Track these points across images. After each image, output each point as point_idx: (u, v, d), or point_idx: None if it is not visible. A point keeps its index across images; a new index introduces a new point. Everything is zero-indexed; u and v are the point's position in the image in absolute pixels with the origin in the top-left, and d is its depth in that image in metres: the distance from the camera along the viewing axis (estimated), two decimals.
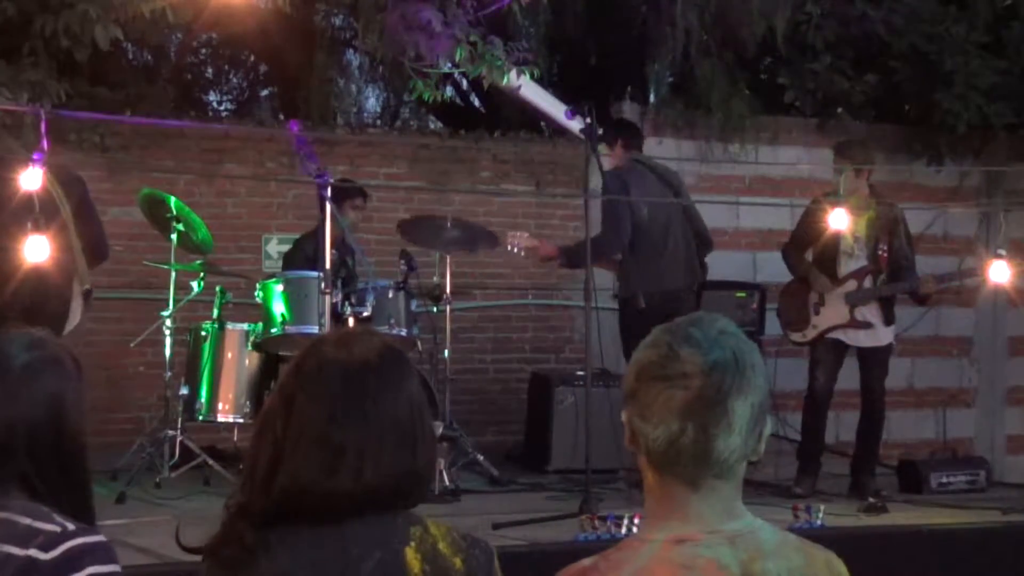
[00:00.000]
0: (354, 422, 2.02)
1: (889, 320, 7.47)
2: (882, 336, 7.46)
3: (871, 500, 6.83)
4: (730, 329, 1.90)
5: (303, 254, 7.46)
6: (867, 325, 7.39)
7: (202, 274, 7.39)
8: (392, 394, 2.06)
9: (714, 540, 1.86)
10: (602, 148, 6.97)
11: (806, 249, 7.63)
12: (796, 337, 7.52)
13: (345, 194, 7.34)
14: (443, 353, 7.66)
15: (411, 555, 2.01)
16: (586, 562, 1.90)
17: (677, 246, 7.31)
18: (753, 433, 1.88)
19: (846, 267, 7.43)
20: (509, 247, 7.40)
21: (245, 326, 7.33)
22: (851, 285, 7.40)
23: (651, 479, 1.90)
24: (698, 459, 1.85)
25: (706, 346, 1.85)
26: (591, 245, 6.69)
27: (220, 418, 7.27)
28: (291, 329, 6.89)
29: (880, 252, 7.39)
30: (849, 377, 7.59)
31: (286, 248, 8.05)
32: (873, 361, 7.44)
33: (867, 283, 7.42)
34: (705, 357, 1.84)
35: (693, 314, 1.94)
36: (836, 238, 7.36)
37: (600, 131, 6.84)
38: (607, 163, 7.16)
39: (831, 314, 7.40)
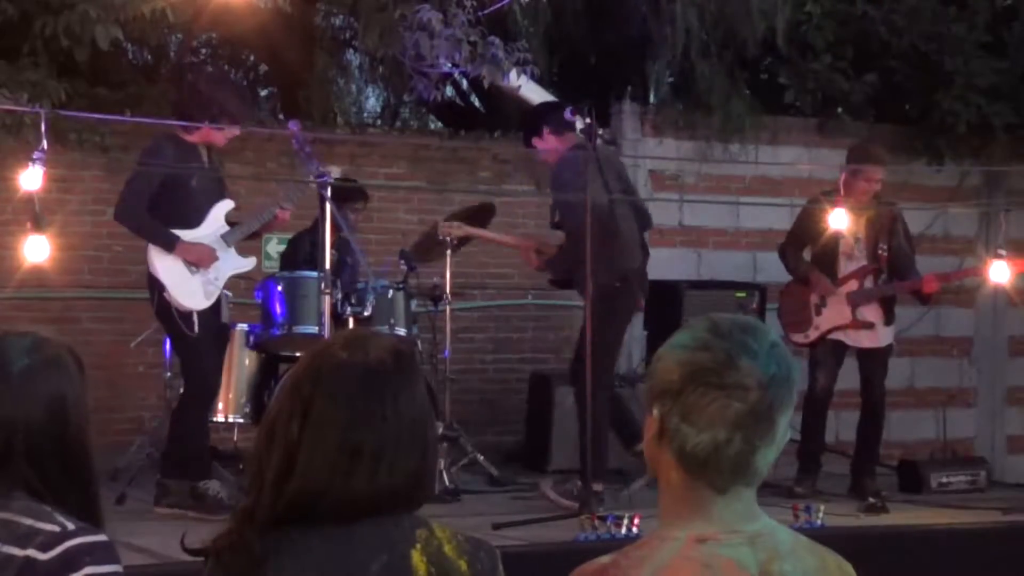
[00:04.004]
0: (373, 424, 2.02)
1: (889, 320, 7.48)
2: (883, 336, 7.46)
3: (871, 500, 6.83)
4: (778, 341, 1.90)
5: (300, 253, 7.47)
6: (869, 325, 7.39)
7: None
8: (407, 395, 2.06)
9: (734, 540, 1.86)
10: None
11: (803, 249, 7.62)
12: (798, 338, 7.50)
13: (345, 196, 7.32)
14: (443, 353, 7.66)
15: (417, 557, 2.01)
16: (604, 559, 1.90)
17: (629, 228, 6.99)
18: (782, 445, 1.90)
19: (846, 267, 7.43)
20: (441, 236, 7.27)
21: (245, 326, 7.32)
22: (852, 285, 7.40)
23: (675, 478, 1.88)
24: (736, 469, 1.86)
25: (763, 359, 1.85)
26: (567, 258, 6.68)
27: (220, 418, 7.26)
28: (291, 329, 6.88)
29: (880, 252, 7.39)
30: (849, 377, 7.59)
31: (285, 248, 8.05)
32: (874, 362, 7.44)
33: (868, 283, 7.42)
34: (764, 371, 1.84)
35: (741, 319, 1.92)
36: (835, 238, 7.35)
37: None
38: (547, 156, 6.92)
39: (833, 315, 7.40)
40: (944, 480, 7.80)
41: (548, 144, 6.91)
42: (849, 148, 7.78)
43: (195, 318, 6.20)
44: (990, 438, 10.35)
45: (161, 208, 6.24)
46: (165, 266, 6.20)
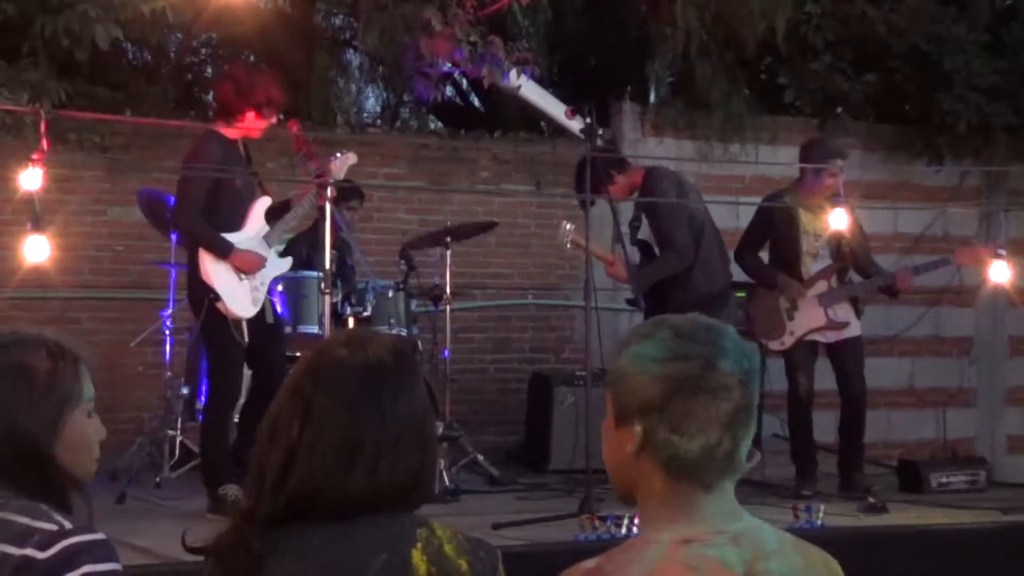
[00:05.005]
0: (373, 422, 2.03)
1: (859, 313, 7.43)
2: (854, 329, 7.40)
3: (871, 500, 6.81)
4: (739, 335, 1.94)
5: (297, 257, 7.46)
6: (844, 324, 7.34)
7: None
8: (407, 393, 2.07)
9: (719, 540, 1.87)
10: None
11: (759, 250, 7.57)
12: (775, 345, 7.37)
13: (340, 195, 7.32)
14: (443, 353, 7.66)
15: (417, 556, 2.01)
16: (590, 563, 1.90)
17: (722, 245, 7.38)
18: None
19: (812, 267, 7.35)
20: (561, 237, 7.27)
21: None
22: (822, 286, 7.32)
23: (659, 485, 1.89)
24: (724, 467, 1.89)
25: (735, 356, 1.89)
26: (659, 270, 6.99)
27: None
28: (293, 329, 6.88)
29: (844, 248, 7.33)
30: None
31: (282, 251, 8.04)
32: (848, 352, 7.33)
33: (833, 281, 7.36)
34: (739, 367, 1.89)
35: (699, 320, 1.94)
36: (797, 239, 7.28)
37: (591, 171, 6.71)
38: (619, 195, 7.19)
39: (807, 318, 7.31)
40: (944, 480, 7.78)
41: (620, 184, 7.20)
42: (804, 144, 7.62)
43: (244, 326, 6.10)
44: (990, 438, 10.35)
45: (211, 211, 6.11)
46: (219, 273, 6.06)
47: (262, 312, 6.25)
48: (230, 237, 6.13)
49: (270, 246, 6.31)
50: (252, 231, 6.25)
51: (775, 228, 7.38)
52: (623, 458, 1.90)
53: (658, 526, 1.89)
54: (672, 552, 1.85)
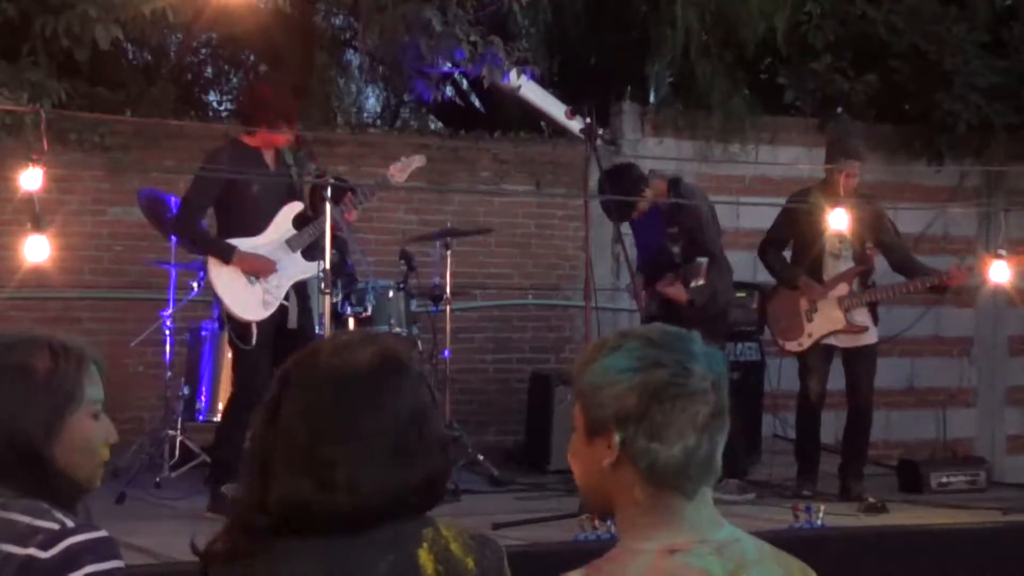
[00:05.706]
0: (344, 435, 1.95)
1: (876, 319, 7.40)
2: (871, 335, 7.38)
3: (871, 500, 6.81)
4: (703, 340, 1.95)
5: None
6: (863, 329, 7.31)
7: (202, 274, 7.39)
8: (390, 403, 2.00)
9: (703, 550, 1.87)
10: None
11: (783, 249, 7.55)
12: (792, 347, 7.33)
13: (334, 197, 7.30)
14: (443, 353, 7.66)
15: (424, 556, 1.99)
16: (574, 574, 1.90)
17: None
18: None
19: (834, 267, 7.30)
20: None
21: None
22: (843, 289, 7.28)
23: (640, 494, 1.89)
24: (704, 472, 1.89)
25: (706, 360, 1.90)
26: (713, 285, 7.09)
27: (220, 418, 7.25)
28: None
29: (868, 250, 7.29)
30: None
31: None
32: (861, 360, 7.29)
33: (856, 285, 7.32)
34: (711, 371, 1.89)
35: (668, 328, 1.95)
36: (820, 239, 7.20)
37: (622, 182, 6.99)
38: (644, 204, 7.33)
39: (826, 320, 7.25)
40: (944, 480, 7.78)
41: (647, 196, 7.22)
42: (827, 143, 7.64)
43: (253, 329, 6.08)
44: (990, 438, 10.36)
45: (224, 215, 6.16)
46: (222, 278, 6.10)
47: (284, 317, 6.23)
48: (245, 241, 6.15)
49: (294, 250, 6.28)
50: (274, 235, 6.24)
51: (799, 227, 7.31)
52: (598, 473, 1.90)
53: (643, 535, 1.89)
54: (658, 562, 1.86)
